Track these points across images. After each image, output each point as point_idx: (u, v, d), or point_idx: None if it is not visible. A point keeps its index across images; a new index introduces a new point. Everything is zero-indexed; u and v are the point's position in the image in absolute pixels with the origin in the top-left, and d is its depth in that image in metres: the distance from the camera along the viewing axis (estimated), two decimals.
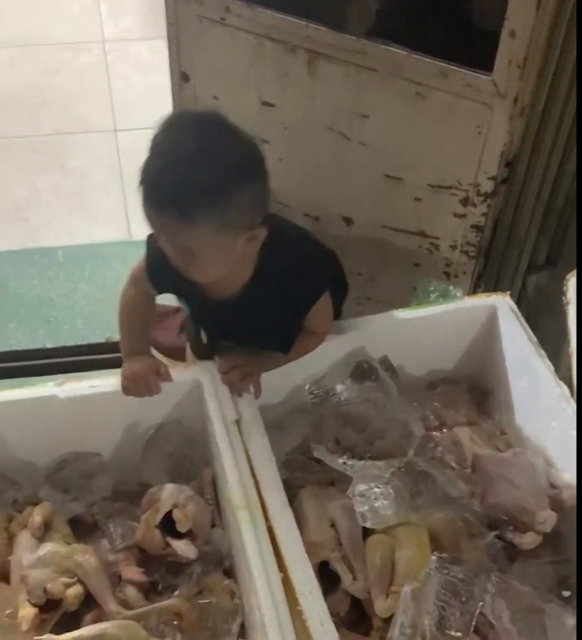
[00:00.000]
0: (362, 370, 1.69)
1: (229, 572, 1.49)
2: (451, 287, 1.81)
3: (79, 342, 2.23)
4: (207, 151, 1.34)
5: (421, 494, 1.50)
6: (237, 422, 1.52)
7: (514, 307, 1.75)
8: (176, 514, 1.45)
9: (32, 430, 1.55)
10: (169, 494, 1.47)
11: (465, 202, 1.85)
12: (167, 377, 1.57)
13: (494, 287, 2.03)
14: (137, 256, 2.45)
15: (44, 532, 1.44)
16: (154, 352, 2.12)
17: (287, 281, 1.52)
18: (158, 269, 1.54)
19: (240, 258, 1.46)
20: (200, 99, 2.03)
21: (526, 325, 1.71)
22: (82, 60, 3.42)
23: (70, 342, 2.22)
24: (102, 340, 2.23)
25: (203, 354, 1.88)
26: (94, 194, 2.76)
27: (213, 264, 1.43)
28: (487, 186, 1.81)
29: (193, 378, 1.59)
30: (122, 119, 3.11)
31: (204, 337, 1.73)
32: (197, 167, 1.32)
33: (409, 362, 1.78)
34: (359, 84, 1.79)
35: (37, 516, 1.45)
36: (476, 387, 1.82)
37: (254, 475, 1.44)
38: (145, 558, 1.49)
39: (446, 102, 1.75)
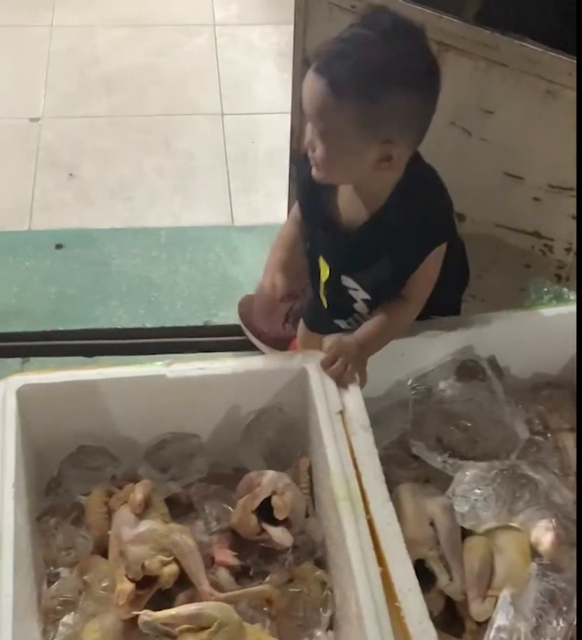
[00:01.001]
0: (468, 368, 1.68)
1: (321, 563, 1.50)
2: (565, 290, 1.77)
3: (178, 323, 2.26)
4: (390, 43, 1.39)
5: (523, 499, 1.50)
6: (341, 413, 1.51)
7: None
8: (275, 501, 1.47)
9: (136, 407, 1.59)
10: (269, 480, 1.49)
11: None
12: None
13: None
14: (239, 241, 2.51)
15: (144, 510, 1.47)
16: (257, 342, 2.15)
17: (417, 215, 1.53)
18: (304, 193, 1.63)
19: (373, 179, 1.49)
20: None
21: None
22: (192, 43, 3.46)
23: (169, 324, 2.25)
24: (200, 323, 2.25)
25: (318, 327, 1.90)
26: (199, 177, 2.79)
27: (337, 157, 1.45)
28: None
29: (299, 366, 1.59)
30: (229, 103, 3.15)
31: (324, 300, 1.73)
32: (374, 49, 1.38)
33: (515, 363, 1.77)
34: (488, 78, 1.78)
35: (138, 493, 1.48)
36: None
37: (356, 468, 1.44)
38: (238, 542, 1.51)
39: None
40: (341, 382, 1.56)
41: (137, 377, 1.57)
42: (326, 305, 1.73)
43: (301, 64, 2.08)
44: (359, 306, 1.69)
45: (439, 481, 1.58)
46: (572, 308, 1.74)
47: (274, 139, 2.97)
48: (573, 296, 1.78)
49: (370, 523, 1.37)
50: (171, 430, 1.63)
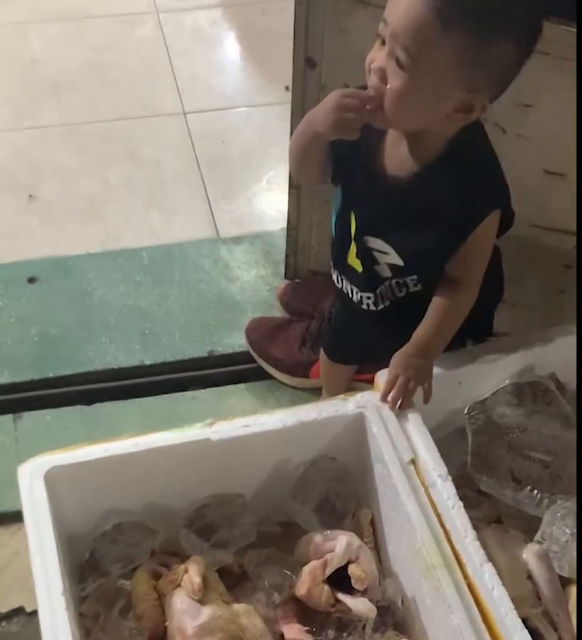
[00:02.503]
0: (532, 391, 1.59)
1: (400, 627, 1.41)
2: None
3: (180, 357, 2.12)
4: None
5: None
6: (413, 462, 1.41)
7: None
8: (354, 571, 1.39)
9: (176, 474, 1.47)
10: (344, 548, 1.40)
11: None
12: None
13: None
14: (229, 255, 2.38)
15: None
16: (273, 371, 2.03)
17: (470, 175, 1.44)
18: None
19: (436, 129, 1.40)
20: (327, 86, 1.92)
21: None
22: (137, 34, 3.29)
23: (169, 357, 2.11)
24: (204, 354, 2.12)
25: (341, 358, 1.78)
26: (171, 187, 2.65)
27: (419, 94, 1.33)
28: None
29: (355, 410, 1.49)
30: (189, 99, 2.99)
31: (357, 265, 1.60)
32: None
33: (573, 378, 1.67)
34: (526, 69, 1.67)
35: (195, 576, 1.37)
36: None
37: (441, 525, 1.34)
38: (306, 613, 1.42)
39: None
40: (404, 404, 1.46)
41: (177, 445, 1.46)
42: (361, 270, 1.59)
43: (304, 64, 1.96)
44: (382, 270, 1.56)
45: (510, 519, 1.50)
46: None
47: (246, 136, 2.85)
48: None
49: (470, 588, 1.27)
50: (212, 492, 1.52)
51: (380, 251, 1.54)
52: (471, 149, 1.45)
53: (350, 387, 1.88)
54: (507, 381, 1.61)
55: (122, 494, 1.47)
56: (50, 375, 2.06)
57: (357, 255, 1.58)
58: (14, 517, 1.66)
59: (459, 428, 1.60)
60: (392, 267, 1.55)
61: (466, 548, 1.31)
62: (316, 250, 2.21)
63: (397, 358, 1.49)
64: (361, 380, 1.92)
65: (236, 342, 2.14)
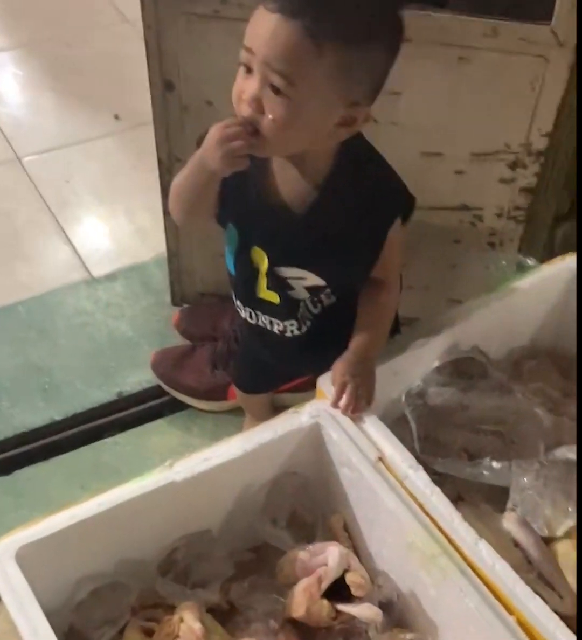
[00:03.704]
0: (465, 367, 1.60)
1: (400, 623, 1.37)
2: (521, 257, 1.74)
3: (88, 405, 2.02)
4: None
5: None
6: (380, 460, 1.39)
7: None
8: (352, 578, 1.34)
9: (144, 525, 1.39)
10: (337, 560, 1.34)
11: (514, 165, 1.81)
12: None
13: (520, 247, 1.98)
14: (107, 293, 2.29)
15: None
16: (190, 400, 1.97)
17: (369, 186, 1.41)
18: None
19: (320, 147, 1.35)
20: (189, 107, 1.87)
21: None
22: None
23: (79, 408, 2.01)
24: (113, 397, 2.03)
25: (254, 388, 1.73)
26: (28, 235, 2.52)
27: (301, 117, 1.27)
28: (541, 143, 1.77)
29: (309, 421, 1.45)
30: (20, 145, 2.87)
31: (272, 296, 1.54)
32: None
33: (493, 346, 1.69)
34: None
35: (194, 622, 1.30)
36: (560, 357, 1.76)
37: (426, 514, 1.32)
38: (307, 632, 1.37)
39: (494, 61, 1.69)
40: (357, 409, 1.43)
41: (143, 495, 1.37)
42: (278, 300, 1.54)
43: (163, 88, 1.89)
44: (298, 293, 1.52)
45: (470, 495, 1.50)
46: (539, 273, 1.70)
47: (88, 172, 2.76)
48: (531, 262, 1.74)
49: (472, 569, 1.26)
50: (180, 534, 1.45)
51: (296, 278, 1.50)
52: (359, 159, 1.43)
53: (273, 403, 1.85)
54: (436, 363, 1.61)
55: (92, 557, 1.38)
56: None
57: (270, 288, 1.52)
58: None
59: (399, 418, 1.58)
60: (309, 288, 1.51)
61: (456, 531, 1.29)
62: (201, 272, 2.15)
63: (341, 366, 1.44)
64: (280, 392, 1.88)
65: (142, 378, 2.06)
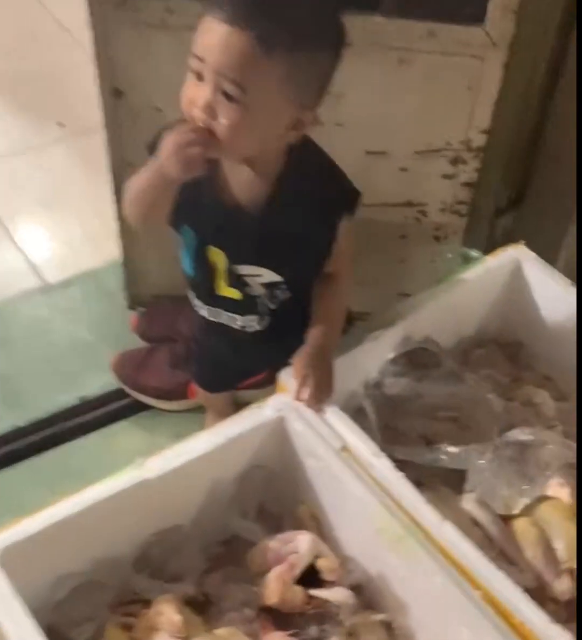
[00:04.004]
0: (419, 358, 1.65)
1: (371, 605, 1.43)
2: (465, 250, 1.80)
3: (51, 410, 2.03)
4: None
5: (537, 465, 1.50)
6: (344, 449, 1.44)
7: (533, 254, 1.76)
8: (324, 564, 1.39)
9: (118, 523, 1.42)
10: (308, 546, 1.39)
11: (455, 161, 1.86)
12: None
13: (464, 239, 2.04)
14: (64, 298, 2.30)
15: None
16: (151, 401, 2.00)
17: (317, 184, 1.47)
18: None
19: (270, 149, 1.39)
20: (139, 113, 1.89)
21: (551, 267, 1.74)
22: None
23: (42, 414, 2.02)
24: (75, 401, 2.04)
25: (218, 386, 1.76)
26: None
27: (254, 122, 1.31)
28: (479, 140, 1.82)
29: (274, 414, 1.49)
30: None
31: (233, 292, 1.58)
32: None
33: (442, 335, 1.75)
34: None
35: (173, 614, 1.34)
36: (507, 344, 1.83)
37: (392, 500, 1.37)
38: (282, 619, 1.41)
39: (433, 63, 1.74)
40: (320, 400, 1.47)
41: (117, 493, 1.40)
42: (239, 296, 1.58)
43: (112, 95, 1.91)
44: (254, 290, 1.57)
45: (430, 479, 1.55)
46: (478, 268, 1.77)
47: (36, 180, 2.74)
48: (475, 253, 1.81)
49: (440, 550, 1.31)
50: (153, 530, 1.48)
51: (252, 275, 1.54)
52: (307, 158, 1.47)
53: (233, 400, 1.89)
54: (392, 354, 1.66)
55: (70, 557, 1.40)
56: None
57: (230, 285, 1.57)
58: None
59: (359, 409, 1.62)
60: (265, 284, 1.56)
61: (421, 513, 1.35)
62: (155, 275, 2.17)
63: (302, 360, 1.48)
64: (242, 388, 1.92)
65: (104, 381, 2.07)
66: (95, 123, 1.99)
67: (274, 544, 1.43)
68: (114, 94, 1.90)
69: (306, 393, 1.47)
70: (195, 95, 1.32)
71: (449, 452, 1.54)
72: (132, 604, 1.43)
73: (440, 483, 1.54)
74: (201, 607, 1.44)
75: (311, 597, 1.39)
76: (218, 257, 1.54)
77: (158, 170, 1.40)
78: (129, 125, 1.93)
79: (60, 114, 2.95)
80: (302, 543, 1.39)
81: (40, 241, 2.53)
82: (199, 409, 1.97)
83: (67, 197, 2.66)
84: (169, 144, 1.35)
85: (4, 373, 2.12)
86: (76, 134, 2.87)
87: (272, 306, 1.59)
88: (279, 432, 1.50)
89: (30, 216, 2.62)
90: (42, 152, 2.84)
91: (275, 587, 1.39)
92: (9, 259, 2.47)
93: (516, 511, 1.46)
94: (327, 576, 1.38)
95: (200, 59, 1.30)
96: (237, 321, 1.61)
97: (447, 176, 1.87)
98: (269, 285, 1.55)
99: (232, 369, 1.81)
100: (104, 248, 2.38)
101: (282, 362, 1.51)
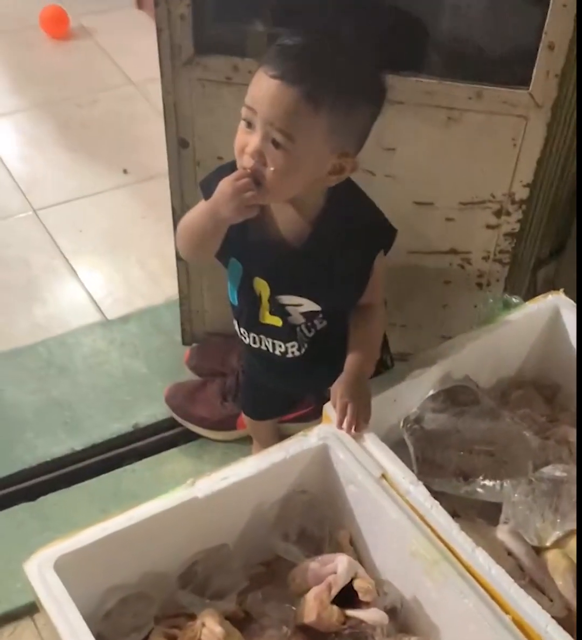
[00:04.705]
0: (458, 395, 1.68)
1: (404, 628, 1.45)
2: (506, 296, 1.83)
3: (106, 436, 2.09)
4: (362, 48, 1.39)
5: (568, 499, 1.51)
6: (383, 476, 1.47)
7: (571, 301, 1.79)
8: (360, 584, 1.41)
9: (168, 539, 1.46)
10: (346, 568, 1.42)
11: (499, 213, 1.89)
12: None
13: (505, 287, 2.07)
14: (122, 334, 2.37)
15: None
16: (201, 431, 2.04)
17: (356, 221, 1.53)
18: None
19: (312, 190, 1.45)
20: (201, 162, 1.97)
21: None
22: None
23: (97, 439, 2.08)
24: (129, 429, 2.10)
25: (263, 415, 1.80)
26: (45, 280, 2.60)
27: (299, 168, 1.39)
28: (523, 193, 1.85)
29: (318, 442, 1.53)
30: (36, 198, 2.95)
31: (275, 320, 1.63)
32: (343, 59, 1.37)
33: (482, 376, 1.78)
34: (385, 118, 1.78)
35: (216, 626, 1.36)
36: (544, 386, 1.85)
37: (428, 525, 1.40)
38: (315, 636, 1.43)
39: (479, 121, 1.79)
40: (360, 427, 1.51)
41: (169, 510, 1.44)
42: (281, 324, 1.63)
43: (177, 145, 1.99)
44: (295, 318, 1.62)
45: (465, 510, 1.57)
46: (519, 312, 1.79)
47: (100, 222, 2.84)
48: (516, 300, 1.83)
49: (470, 573, 1.33)
50: (199, 548, 1.51)
51: (293, 305, 1.60)
52: (346, 198, 1.53)
53: (279, 431, 1.93)
54: (431, 391, 1.69)
55: (120, 569, 1.44)
56: None
57: (272, 313, 1.62)
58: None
59: (398, 441, 1.65)
60: (304, 314, 1.61)
61: (455, 540, 1.37)
62: (210, 313, 2.23)
63: (340, 388, 1.52)
64: (286, 421, 1.96)
65: (157, 411, 2.13)
66: (157, 170, 2.08)
67: (314, 564, 1.46)
68: (180, 144, 1.98)
69: (346, 421, 1.51)
70: (246, 142, 1.40)
71: (485, 486, 1.56)
72: (176, 617, 1.47)
73: (475, 515, 1.56)
74: (241, 623, 1.47)
75: (347, 617, 1.41)
76: (263, 287, 1.60)
77: (211, 212, 1.48)
78: (191, 172, 2.01)
79: (126, 161, 3.05)
80: (340, 564, 1.42)
81: (102, 279, 2.61)
82: (246, 441, 2.02)
83: (129, 239, 2.75)
84: (224, 189, 1.42)
85: (64, 399, 2.19)
86: (139, 181, 2.96)
87: (310, 334, 1.64)
88: (321, 460, 1.53)
89: (94, 256, 2.70)
90: (107, 196, 2.94)
91: (313, 606, 1.41)
92: (73, 294, 2.56)
93: (548, 543, 1.47)
94: (363, 597, 1.40)
95: (251, 109, 1.38)
96: (278, 347, 1.66)
97: (490, 226, 1.91)
98: (308, 314, 1.61)
99: (274, 397, 1.86)
100: (162, 287, 2.46)
101: (321, 388, 1.55)
